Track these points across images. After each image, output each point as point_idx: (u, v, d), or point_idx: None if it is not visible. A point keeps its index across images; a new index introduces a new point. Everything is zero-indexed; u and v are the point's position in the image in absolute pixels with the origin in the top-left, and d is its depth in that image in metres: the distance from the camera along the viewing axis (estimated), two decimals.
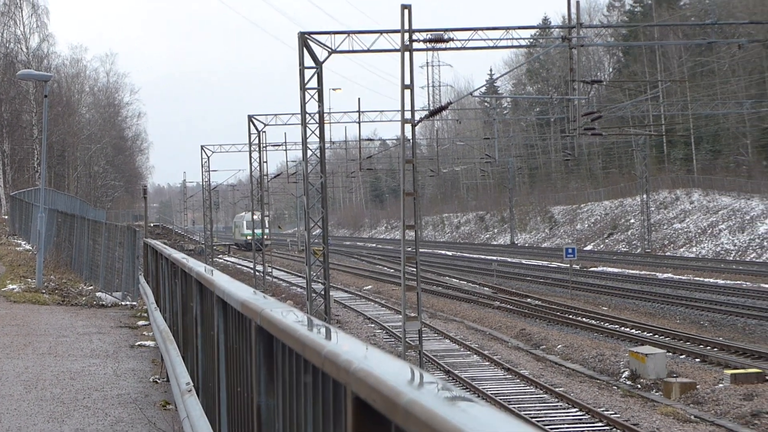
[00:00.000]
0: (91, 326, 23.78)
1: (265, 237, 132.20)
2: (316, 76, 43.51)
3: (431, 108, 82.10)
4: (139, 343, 20.73)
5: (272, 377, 5.04)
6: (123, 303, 29.46)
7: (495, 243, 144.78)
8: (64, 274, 36.98)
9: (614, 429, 28.96)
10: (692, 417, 30.85)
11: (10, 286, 32.47)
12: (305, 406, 4.03)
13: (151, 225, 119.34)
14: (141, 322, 23.90)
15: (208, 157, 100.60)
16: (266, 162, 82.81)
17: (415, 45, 39.99)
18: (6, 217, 76.57)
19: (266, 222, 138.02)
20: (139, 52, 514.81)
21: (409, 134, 39.27)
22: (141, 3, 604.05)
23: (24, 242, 53.06)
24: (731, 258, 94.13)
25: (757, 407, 30.68)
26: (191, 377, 10.33)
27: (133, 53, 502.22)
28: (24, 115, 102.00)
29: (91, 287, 33.41)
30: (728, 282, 70.78)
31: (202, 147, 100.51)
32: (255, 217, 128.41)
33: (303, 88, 43.48)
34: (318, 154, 45.62)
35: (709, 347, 42.35)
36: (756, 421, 29.73)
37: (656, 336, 45.77)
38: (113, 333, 22.61)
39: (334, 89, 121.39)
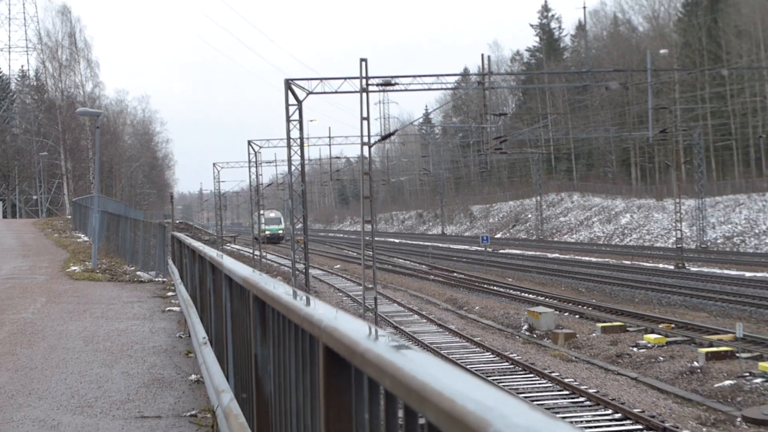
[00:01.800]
0: (133, 297, 23.66)
1: (281, 232, 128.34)
2: (297, 111, 43.49)
3: (383, 134, 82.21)
4: (168, 308, 20.63)
5: (265, 333, 5.03)
6: (156, 279, 29.32)
7: (430, 233, 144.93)
8: (113, 259, 36.75)
9: (516, 367, 29.07)
10: (573, 357, 31.02)
11: (73, 268, 32.26)
12: (289, 354, 4.04)
13: (177, 222, 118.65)
14: (170, 293, 23.79)
15: (219, 172, 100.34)
16: (261, 175, 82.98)
17: (371, 88, 40.05)
18: (69, 216, 76.07)
19: (282, 220, 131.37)
20: (167, 93, 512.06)
21: (366, 154, 39.28)
22: (167, 57, 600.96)
23: (83, 235, 52.64)
24: (601, 242, 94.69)
25: (620, 350, 30.89)
26: (207, 333, 10.29)
27: (162, 93, 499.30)
28: (82, 141, 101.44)
29: (133, 268, 33.22)
30: (599, 259, 71.22)
31: (213, 164, 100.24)
32: (272, 215, 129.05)
33: (288, 120, 43.46)
34: (299, 169, 45.57)
35: (585, 307, 42.58)
36: (619, 360, 29.93)
37: (547, 299, 45.98)
38: (149, 301, 22.51)
39: (311, 120, 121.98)
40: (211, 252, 9.90)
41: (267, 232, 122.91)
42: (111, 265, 33.56)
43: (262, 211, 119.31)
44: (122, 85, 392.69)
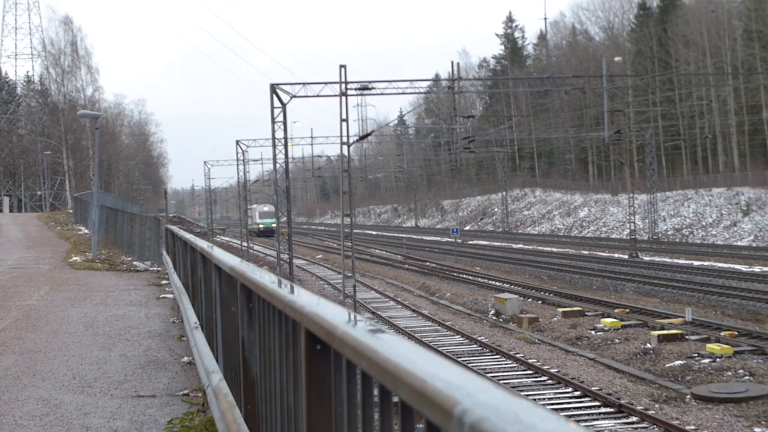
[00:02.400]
0: (130, 285, 23.58)
1: (275, 225, 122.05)
2: (282, 113, 43.40)
3: (361, 134, 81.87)
4: (162, 295, 20.57)
5: (251, 318, 5.01)
6: (151, 269, 29.22)
7: (405, 225, 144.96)
8: (111, 249, 36.60)
9: (484, 349, 29.13)
10: (536, 340, 31.10)
11: (74, 258, 32.11)
12: (274, 337, 4.02)
13: (170, 216, 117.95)
14: (164, 282, 23.71)
15: (209, 169, 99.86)
16: (248, 172, 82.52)
17: (349, 92, 40.01)
18: (71, 211, 75.73)
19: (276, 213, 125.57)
20: (162, 96, 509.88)
21: (346, 153, 39.25)
22: (162, 63, 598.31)
23: (83, 228, 52.40)
24: (561, 234, 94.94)
25: (579, 333, 30.99)
26: (198, 318, 10.26)
27: (157, 97, 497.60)
28: (83, 141, 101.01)
29: (130, 258, 33.10)
30: (559, 250, 71.42)
31: (204, 162, 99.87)
32: (266, 209, 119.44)
33: (273, 121, 43.37)
34: (284, 167, 45.51)
35: (547, 293, 42.69)
36: (578, 342, 30.03)
37: (512, 286, 46.07)
38: (145, 289, 22.43)
39: (294, 122, 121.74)
40: (201, 243, 9.87)
41: (261, 225, 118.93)
42: (109, 256, 33.42)
43: (254, 205, 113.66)
44: (120, 89, 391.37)
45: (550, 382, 23.95)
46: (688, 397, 21.87)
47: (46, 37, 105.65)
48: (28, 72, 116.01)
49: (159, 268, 28.18)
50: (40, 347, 13.41)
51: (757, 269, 48.51)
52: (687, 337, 27.40)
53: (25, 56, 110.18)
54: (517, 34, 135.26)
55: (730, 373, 23.52)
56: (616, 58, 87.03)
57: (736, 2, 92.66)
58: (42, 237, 46.76)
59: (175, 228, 19.25)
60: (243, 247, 76.64)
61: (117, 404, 9.53)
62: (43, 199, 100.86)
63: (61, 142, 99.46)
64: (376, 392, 2.27)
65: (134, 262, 31.28)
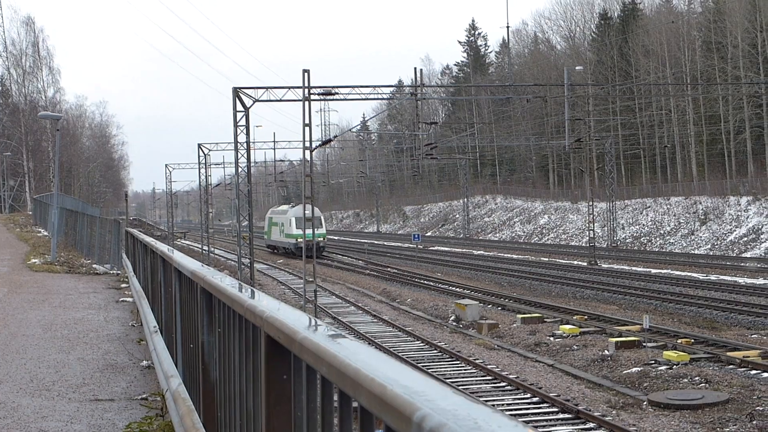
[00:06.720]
0: (89, 288, 23.37)
1: (322, 240, 73.13)
2: (244, 117, 43.27)
3: (323, 139, 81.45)
4: (122, 299, 20.41)
5: (212, 322, 4.99)
6: (111, 272, 28.99)
7: (366, 231, 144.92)
8: (71, 252, 36.28)
9: (444, 354, 29.15)
10: (496, 346, 31.16)
11: (33, 260, 31.79)
12: (234, 342, 4.00)
13: (131, 219, 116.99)
14: (123, 285, 23.52)
15: (170, 172, 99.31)
16: (210, 176, 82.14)
17: (312, 97, 39.96)
18: (30, 213, 75.01)
19: (323, 221, 79.88)
20: (124, 98, 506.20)
21: (308, 157, 39.19)
22: (125, 65, 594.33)
23: (43, 230, 51.90)
24: (522, 241, 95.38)
25: (538, 339, 31.11)
26: (157, 322, 10.19)
27: (119, 99, 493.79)
28: (43, 143, 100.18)
29: (89, 261, 32.83)
30: (520, 256, 71.72)
31: (166, 165, 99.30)
32: (308, 212, 77.78)
33: (235, 125, 43.23)
34: (246, 171, 45.36)
35: (507, 300, 42.81)
36: (537, 348, 30.14)
37: (473, 292, 46.16)
38: (104, 292, 22.25)
39: (257, 126, 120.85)
40: (162, 247, 9.81)
41: (298, 239, 74.06)
42: (69, 258, 33.13)
43: (284, 206, 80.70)
44: (82, 91, 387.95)
45: (508, 387, 24.00)
46: (645, 403, 22.01)
47: (7, 37, 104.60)
48: None
49: (119, 272, 27.96)
50: None
51: (713, 277, 48.98)
52: (644, 344, 27.60)
53: None
54: (479, 42, 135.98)
55: (686, 380, 23.71)
56: (578, 67, 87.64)
57: (696, 14, 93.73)
58: (1, 239, 46.25)
59: (135, 231, 19.12)
60: (204, 251, 76.25)
61: (75, 408, 9.44)
62: (2, 200, 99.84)
63: (22, 143, 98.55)
64: (336, 397, 2.26)
65: (94, 265, 31.03)
